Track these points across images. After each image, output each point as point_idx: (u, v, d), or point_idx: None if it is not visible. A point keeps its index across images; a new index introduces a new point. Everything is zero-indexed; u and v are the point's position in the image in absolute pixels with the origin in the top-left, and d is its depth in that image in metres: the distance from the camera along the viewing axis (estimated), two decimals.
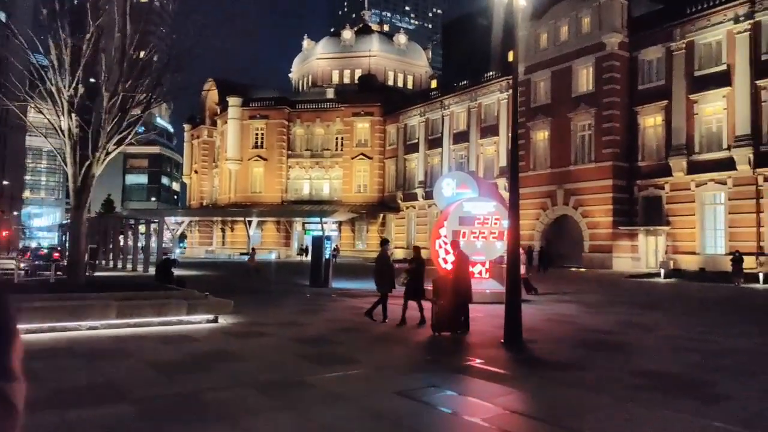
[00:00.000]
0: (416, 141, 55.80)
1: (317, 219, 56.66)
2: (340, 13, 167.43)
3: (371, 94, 60.76)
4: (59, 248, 40.01)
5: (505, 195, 21.41)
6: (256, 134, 62.55)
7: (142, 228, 39.95)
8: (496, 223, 16.63)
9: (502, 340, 9.90)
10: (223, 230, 64.18)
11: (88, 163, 14.11)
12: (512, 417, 5.82)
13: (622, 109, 37.09)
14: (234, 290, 18.40)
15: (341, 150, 61.11)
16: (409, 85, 71.47)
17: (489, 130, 47.91)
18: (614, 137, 36.82)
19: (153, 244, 40.32)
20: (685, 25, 34.68)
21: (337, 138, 61.85)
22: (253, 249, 34.29)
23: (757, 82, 31.23)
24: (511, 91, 43.27)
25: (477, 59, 67.24)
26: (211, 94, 68.60)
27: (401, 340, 10.44)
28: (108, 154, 14.41)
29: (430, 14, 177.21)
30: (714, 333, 11.42)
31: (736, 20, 32.22)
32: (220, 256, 57.98)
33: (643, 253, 36.54)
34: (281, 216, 60.27)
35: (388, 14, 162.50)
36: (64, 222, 65.78)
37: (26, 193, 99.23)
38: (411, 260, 12.68)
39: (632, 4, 37.89)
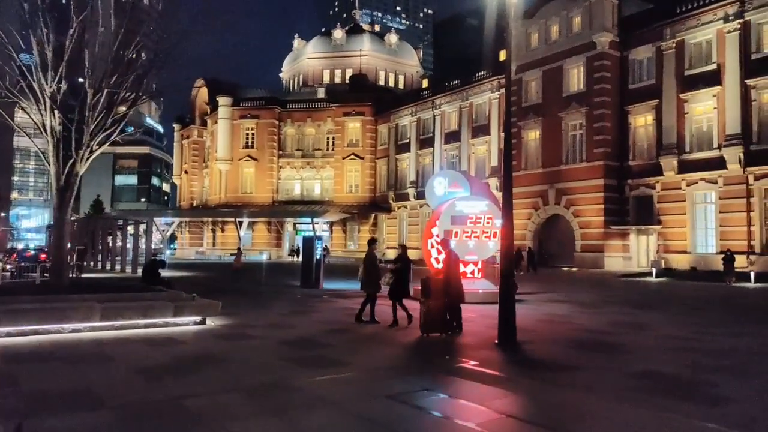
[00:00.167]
0: (408, 141, 55.60)
1: (308, 219, 56.37)
2: (330, 12, 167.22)
3: (362, 94, 60.48)
4: (46, 249, 39.48)
5: (497, 194, 21.29)
6: (247, 134, 62.13)
7: (131, 229, 39.48)
8: (488, 223, 16.45)
9: (496, 341, 9.71)
10: (213, 231, 63.69)
11: (71, 161, 13.80)
12: (507, 421, 5.62)
13: (613, 108, 37.12)
14: (223, 291, 18.18)
15: (332, 150, 60.81)
16: (401, 85, 71.31)
17: (480, 130, 47.82)
18: (605, 137, 36.83)
19: (142, 245, 39.85)
20: (675, 25, 34.76)
21: (328, 138, 61.54)
22: (239, 249, 33.89)
23: (747, 81, 31.32)
24: (502, 90, 43.29)
25: (468, 59, 67.29)
26: (201, 94, 68.10)
27: (392, 341, 10.24)
28: (92, 152, 14.10)
29: (421, 14, 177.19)
30: (709, 332, 11.31)
31: (726, 19, 32.32)
32: (210, 257, 57.52)
33: (635, 253, 36.60)
34: (272, 216, 59.85)
35: (379, 14, 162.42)
36: (52, 223, 64.99)
37: (14, 195, 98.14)
38: (396, 260, 12.49)
39: (623, 4, 37.93)
